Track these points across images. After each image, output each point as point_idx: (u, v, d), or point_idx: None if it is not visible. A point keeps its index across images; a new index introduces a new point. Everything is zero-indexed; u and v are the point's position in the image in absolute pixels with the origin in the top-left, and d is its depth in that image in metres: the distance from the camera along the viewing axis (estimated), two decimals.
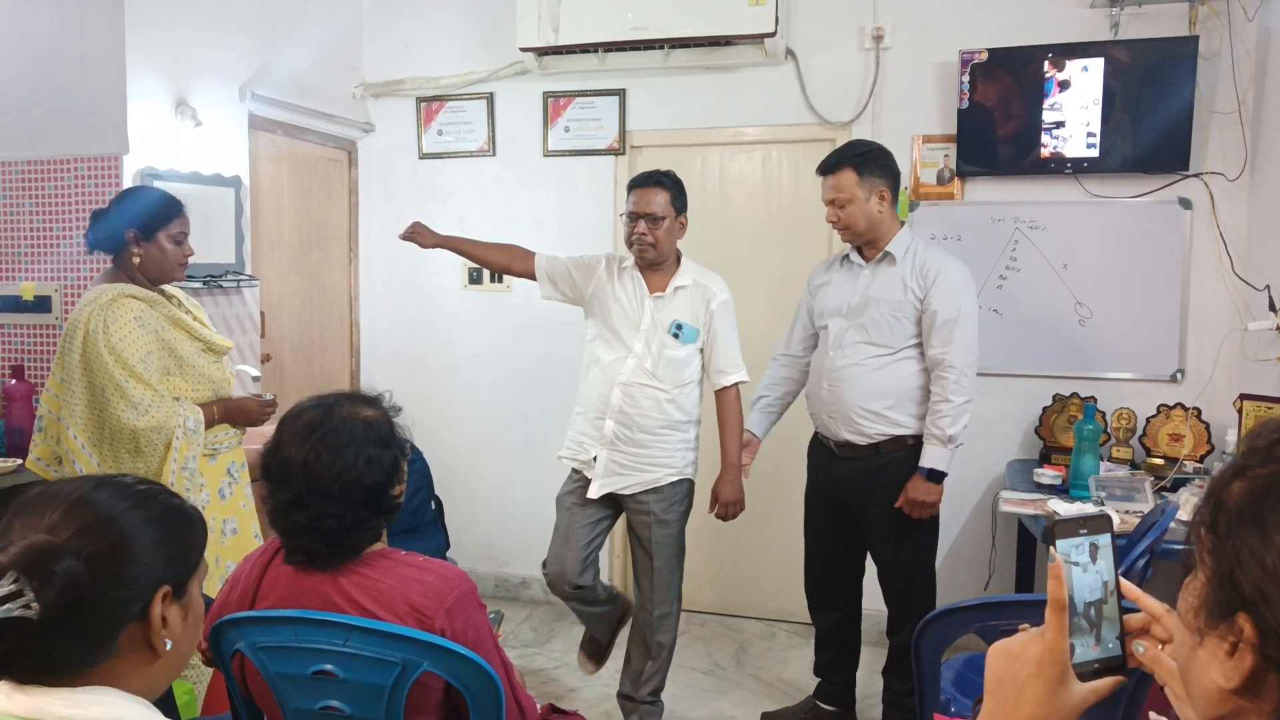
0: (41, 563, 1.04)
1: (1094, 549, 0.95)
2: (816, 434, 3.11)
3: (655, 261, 2.98)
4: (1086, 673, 0.93)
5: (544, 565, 3.11)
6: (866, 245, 2.99)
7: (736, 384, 3.00)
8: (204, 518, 1.24)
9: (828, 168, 2.94)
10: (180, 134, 3.38)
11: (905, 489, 2.88)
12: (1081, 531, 0.95)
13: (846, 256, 3.05)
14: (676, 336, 2.94)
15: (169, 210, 2.66)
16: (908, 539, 2.96)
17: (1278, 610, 0.71)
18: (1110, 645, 0.94)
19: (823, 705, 3.23)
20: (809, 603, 3.26)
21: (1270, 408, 2.82)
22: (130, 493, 1.16)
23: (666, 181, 2.99)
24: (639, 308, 2.98)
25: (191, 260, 2.79)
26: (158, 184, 3.06)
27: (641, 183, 2.99)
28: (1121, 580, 0.96)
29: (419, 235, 3.12)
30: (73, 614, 1.04)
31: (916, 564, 3.02)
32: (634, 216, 2.94)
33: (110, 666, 1.09)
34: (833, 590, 3.19)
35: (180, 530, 1.18)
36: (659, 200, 2.94)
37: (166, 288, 2.75)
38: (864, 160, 2.89)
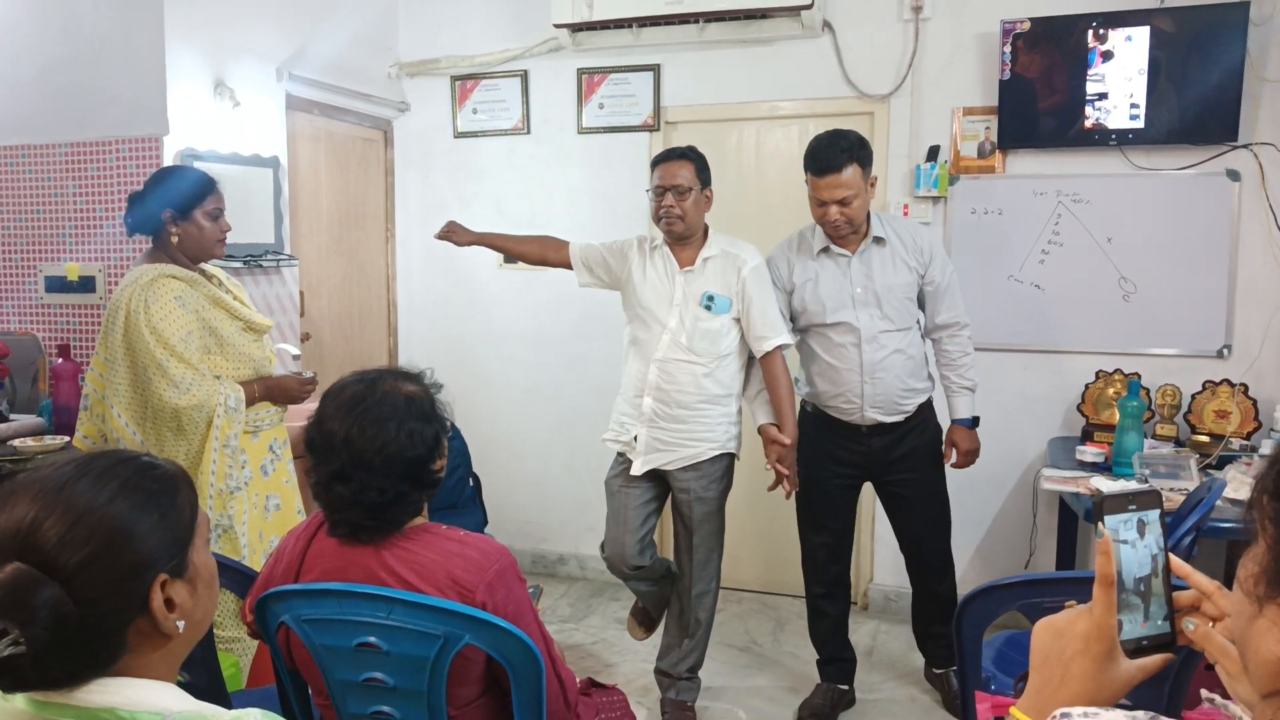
0: (19, 600, 0.97)
1: (1142, 525, 0.94)
2: (828, 415, 3.09)
3: (684, 235, 2.96)
4: (1134, 649, 0.92)
5: (602, 549, 3.14)
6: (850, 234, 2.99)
7: (779, 347, 2.95)
8: (187, 474, 1.18)
9: (838, 165, 2.85)
10: (219, 115, 3.41)
11: (955, 444, 3.12)
12: (1130, 507, 0.94)
13: (826, 249, 3.01)
14: (709, 308, 2.93)
15: (202, 187, 2.68)
16: (943, 492, 3.17)
17: None
18: (1159, 622, 0.93)
19: (840, 686, 3.24)
20: (820, 580, 3.20)
21: None
22: (112, 476, 1.07)
23: (691, 154, 2.98)
24: (670, 283, 2.97)
25: (231, 240, 2.82)
26: (197, 164, 3.08)
27: (666, 157, 2.99)
28: (1171, 557, 0.95)
29: (454, 234, 3.15)
30: (67, 639, 0.99)
31: (947, 514, 3.19)
32: (660, 190, 2.94)
33: (125, 663, 1.05)
34: (843, 564, 3.22)
35: (169, 506, 1.11)
36: (684, 173, 2.93)
37: (207, 267, 2.78)
38: (865, 152, 2.90)
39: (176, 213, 2.64)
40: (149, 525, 1.07)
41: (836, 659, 3.25)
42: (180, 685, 1.12)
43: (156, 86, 3.20)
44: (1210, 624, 0.93)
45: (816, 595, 3.22)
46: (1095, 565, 0.92)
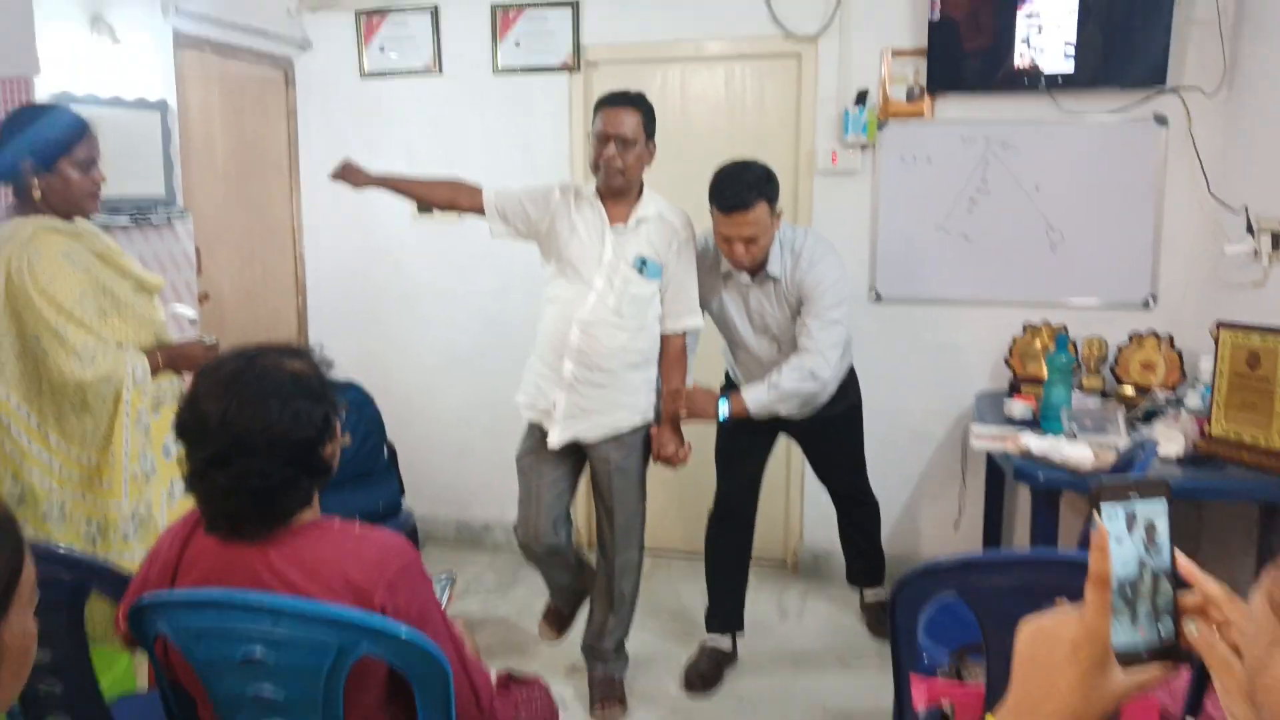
0: None
1: (1132, 518, 0.82)
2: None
3: (622, 189, 2.78)
4: (1133, 659, 0.81)
5: (515, 529, 3.01)
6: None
7: (688, 330, 2.91)
8: (12, 520, 0.96)
9: (746, 203, 2.71)
10: (98, 54, 3.11)
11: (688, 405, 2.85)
12: (1131, 495, 0.82)
13: (729, 274, 2.95)
14: (640, 272, 2.77)
15: (70, 133, 2.34)
16: (858, 447, 3.32)
17: None
18: (1162, 630, 0.82)
19: (722, 643, 3.27)
20: (723, 530, 3.22)
21: (1248, 336, 2.73)
22: None
23: (639, 102, 2.78)
24: (599, 240, 2.79)
25: (117, 193, 2.54)
26: (74, 109, 2.80)
27: (611, 102, 2.77)
28: (1179, 555, 0.83)
29: (350, 174, 2.85)
30: None
31: (861, 459, 3.35)
32: (604, 138, 2.73)
33: None
34: (746, 515, 3.22)
35: None
36: (630, 122, 2.73)
37: (79, 221, 2.49)
38: (771, 186, 2.76)
39: (37, 163, 2.29)
40: None
41: (720, 612, 3.24)
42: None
43: (23, 20, 2.88)
44: (1214, 630, 0.82)
45: (722, 549, 3.23)
46: (1090, 561, 0.81)
